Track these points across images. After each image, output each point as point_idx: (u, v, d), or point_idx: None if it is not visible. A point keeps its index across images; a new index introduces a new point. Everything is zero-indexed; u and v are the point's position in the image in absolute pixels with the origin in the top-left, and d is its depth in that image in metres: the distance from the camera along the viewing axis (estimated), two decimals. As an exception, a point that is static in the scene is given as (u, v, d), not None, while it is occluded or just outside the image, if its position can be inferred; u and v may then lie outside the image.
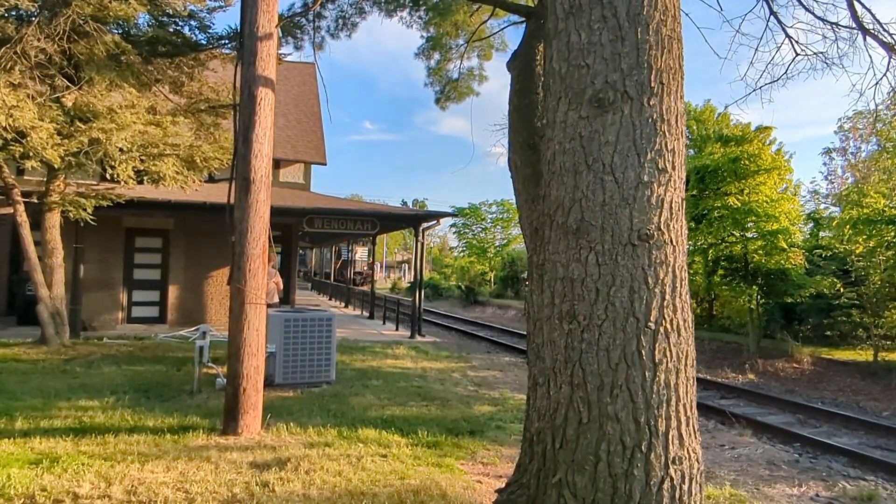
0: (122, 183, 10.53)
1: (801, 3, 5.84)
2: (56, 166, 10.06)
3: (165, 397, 7.11)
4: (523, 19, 5.50)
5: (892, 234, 14.27)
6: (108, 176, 10.71)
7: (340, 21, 10.06)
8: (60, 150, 9.43)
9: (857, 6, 5.52)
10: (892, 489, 5.97)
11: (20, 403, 6.50)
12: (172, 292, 14.93)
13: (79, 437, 5.31)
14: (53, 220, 10.76)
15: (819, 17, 5.88)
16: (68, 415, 6.12)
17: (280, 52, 9.40)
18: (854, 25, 5.65)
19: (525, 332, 15.14)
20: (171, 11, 10.75)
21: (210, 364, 7.58)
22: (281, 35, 9.60)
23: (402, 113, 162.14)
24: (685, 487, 2.91)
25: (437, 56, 10.78)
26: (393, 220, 18.05)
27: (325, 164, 18.43)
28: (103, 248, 13.93)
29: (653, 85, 3.02)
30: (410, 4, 9.96)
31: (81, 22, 9.33)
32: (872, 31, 5.61)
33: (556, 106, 3.23)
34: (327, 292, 28.05)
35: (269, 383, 7.25)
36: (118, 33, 10.25)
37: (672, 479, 2.88)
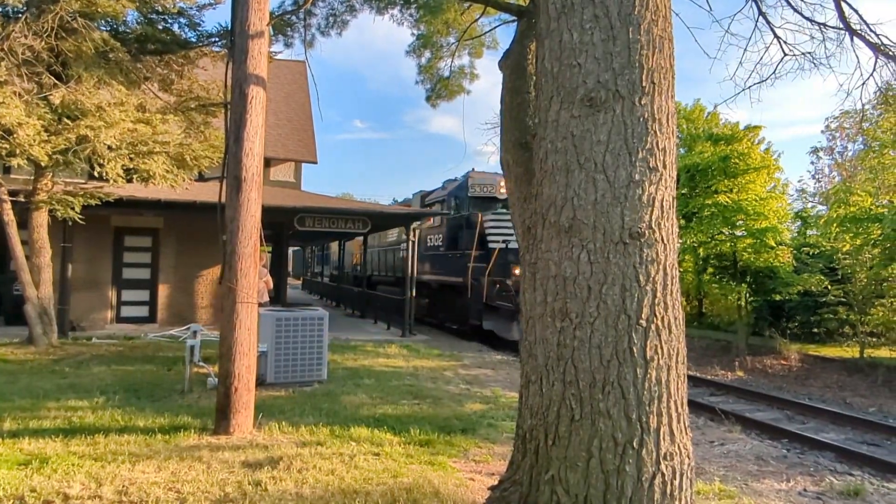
0: (111, 181, 10.43)
1: (789, 4, 5.88)
2: (43, 164, 9.95)
3: (156, 397, 7.07)
4: (515, 18, 5.50)
5: (878, 232, 14.45)
6: (96, 174, 10.61)
7: (331, 18, 10.02)
8: (48, 147, 9.33)
9: (845, 7, 5.57)
10: (879, 483, 6.04)
11: (8, 404, 6.44)
12: (162, 291, 14.83)
13: (68, 438, 5.26)
14: (41, 218, 10.65)
15: (807, 18, 5.93)
16: (57, 415, 6.06)
17: (270, 49, 9.36)
18: (841, 26, 5.70)
19: (516, 331, 15.12)
20: (160, 9, 10.66)
21: (201, 363, 7.55)
22: (272, 33, 9.55)
23: (392, 111, 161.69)
24: (676, 483, 2.94)
25: (427, 54, 10.77)
26: (385, 220, 18.01)
27: (316, 163, 18.34)
28: (92, 247, 13.82)
29: (644, 84, 3.05)
30: (401, 2, 9.93)
31: (69, 19, 9.24)
32: (859, 32, 5.67)
33: (548, 105, 3.24)
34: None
35: (260, 382, 7.23)
36: (106, 30, 10.15)
37: (663, 475, 2.91)
